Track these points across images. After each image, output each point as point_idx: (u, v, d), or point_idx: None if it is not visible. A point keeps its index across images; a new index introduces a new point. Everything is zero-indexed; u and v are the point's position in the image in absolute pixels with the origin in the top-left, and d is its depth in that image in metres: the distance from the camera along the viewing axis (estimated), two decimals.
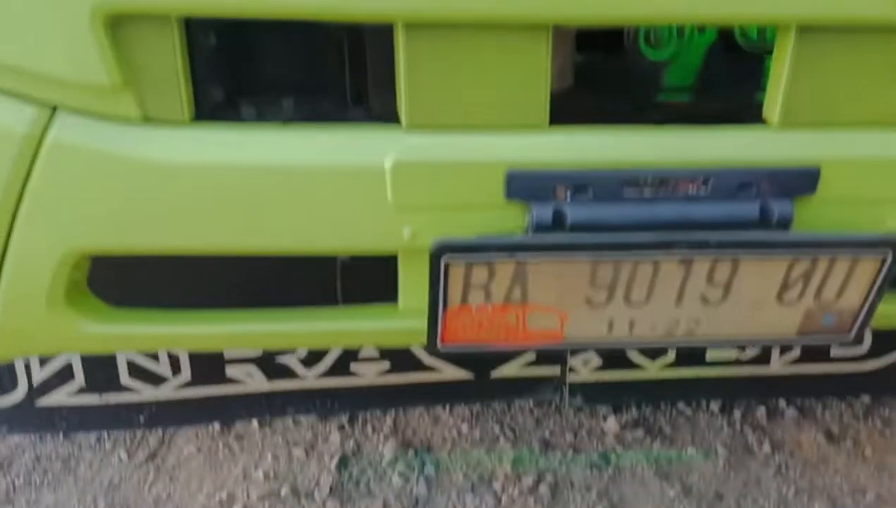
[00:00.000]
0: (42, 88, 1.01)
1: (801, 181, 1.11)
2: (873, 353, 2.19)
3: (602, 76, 1.35)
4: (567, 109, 1.11)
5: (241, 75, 1.16)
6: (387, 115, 1.11)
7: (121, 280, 1.33)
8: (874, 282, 1.16)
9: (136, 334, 1.23)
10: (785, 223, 1.11)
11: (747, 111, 1.16)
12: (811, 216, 1.14)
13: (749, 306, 1.19)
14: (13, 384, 2.02)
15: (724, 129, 1.12)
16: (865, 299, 1.19)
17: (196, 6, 0.95)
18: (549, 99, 1.07)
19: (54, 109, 1.02)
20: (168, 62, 1.00)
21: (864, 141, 1.12)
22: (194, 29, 1.03)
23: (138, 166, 1.04)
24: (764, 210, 1.11)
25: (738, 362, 2.16)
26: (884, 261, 1.14)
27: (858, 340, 1.26)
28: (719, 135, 1.11)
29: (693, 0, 0.98)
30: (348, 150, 1.07)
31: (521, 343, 1.21)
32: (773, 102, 1.10)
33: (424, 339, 1.20)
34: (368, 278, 1.28)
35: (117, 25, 0.97)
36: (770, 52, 1.11)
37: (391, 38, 1.03)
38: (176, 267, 1.27)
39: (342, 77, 1.19)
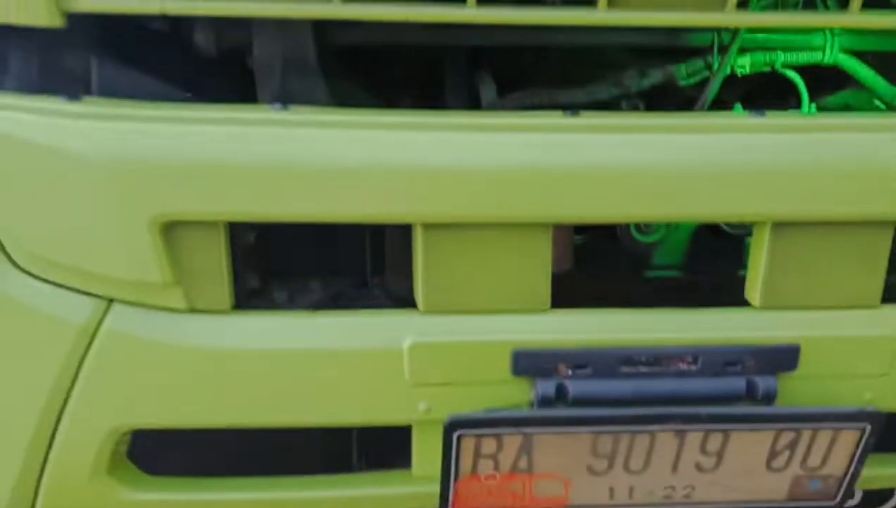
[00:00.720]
0: (100, 285, 1.12)
1: (783, 358, 1.21)
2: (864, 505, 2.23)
3: (598, 257, 1.47)
4: (567, 288, 1.23)
5: (274, 265, 1.27)
6: (404, 298, 1.22)
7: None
8: (855, 451, 1.25)
9: (170, 501, 1.29)
10: (769, 398, 1.20)
11: (731, 286, 1.27)
12: (794, 390, 1.23)
13: (740, 473, 1.27)
14: None
15: (710, 311, 1.22)
16: (848, 466, 1.27)
17: (244, 214, 1.08)
18: (551, 284, 1.18)
19: (110, 302, 1.13)
20: (214, 260, 1.12)
21: (840, 320, 1.23)
22: (236, 228, 1.15)
23: (183, 352, 1.14)
24: (750, 386, 1.20)
25: None
26: (863, 432, 1.23)
27: (847, 498, 1.33)
28: (706, 316, 1.22)
29: (675, 204, 1.11)
30: (370, 334, 1.18)
31: None
32: (755, 285, 1.21)
33: (437, 504, 1.27)
34: (383, 443, 1.36)
35: (170, 230, 1.08)
36: (751, 234, 1.23)
37: (409, 234, 1.15)
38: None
39: (364, 265, 1.31)
